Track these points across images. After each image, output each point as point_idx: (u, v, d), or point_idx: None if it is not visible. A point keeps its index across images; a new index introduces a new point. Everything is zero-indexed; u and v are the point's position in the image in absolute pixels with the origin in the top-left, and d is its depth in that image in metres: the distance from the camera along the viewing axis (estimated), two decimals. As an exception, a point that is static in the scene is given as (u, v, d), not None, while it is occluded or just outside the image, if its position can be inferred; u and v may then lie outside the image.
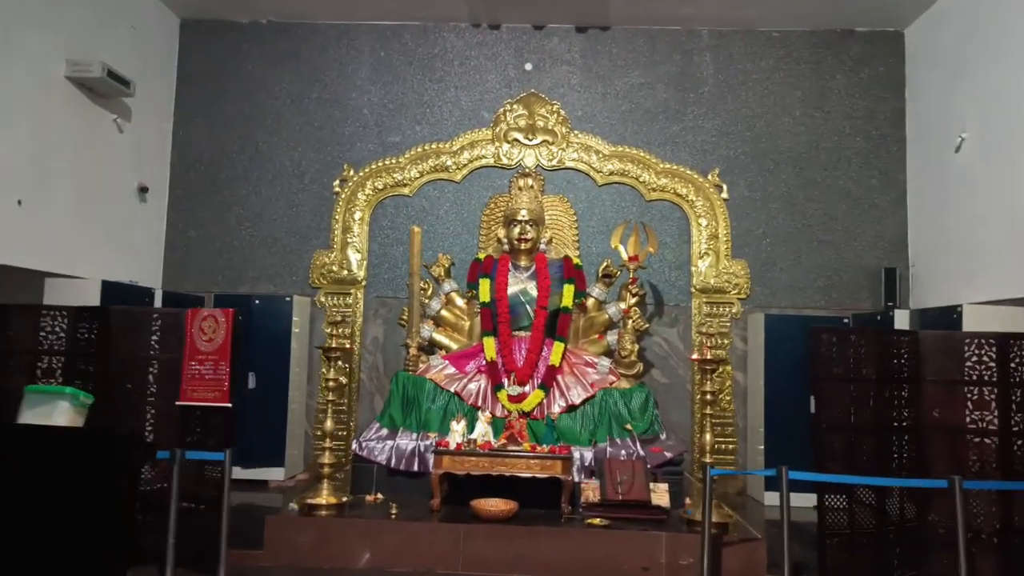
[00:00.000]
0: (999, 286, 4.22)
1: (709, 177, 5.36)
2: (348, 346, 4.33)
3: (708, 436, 3.58)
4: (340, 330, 5.30)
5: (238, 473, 4.79)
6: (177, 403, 2.91)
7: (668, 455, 3.90)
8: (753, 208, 5.37)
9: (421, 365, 4.32)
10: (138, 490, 2.61)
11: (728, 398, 5.22)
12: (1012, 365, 3.27)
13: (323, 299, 5.40)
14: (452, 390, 4.15)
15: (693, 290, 5.29)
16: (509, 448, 3.58)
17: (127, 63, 4.70)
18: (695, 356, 3.91)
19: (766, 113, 5.41)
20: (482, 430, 3.71)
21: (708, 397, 3.71)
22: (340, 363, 5.33)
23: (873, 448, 3.27)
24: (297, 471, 5.18)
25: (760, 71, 5.43)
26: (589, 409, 4.10)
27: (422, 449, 3.89)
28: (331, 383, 3.69)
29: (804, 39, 5.42)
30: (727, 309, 5.29)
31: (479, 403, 4.11)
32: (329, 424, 3.62)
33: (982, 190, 4.44)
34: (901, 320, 4.65)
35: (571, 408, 4.10)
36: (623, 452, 3.87)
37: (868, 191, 5.35)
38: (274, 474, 4.95)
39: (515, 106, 5.44)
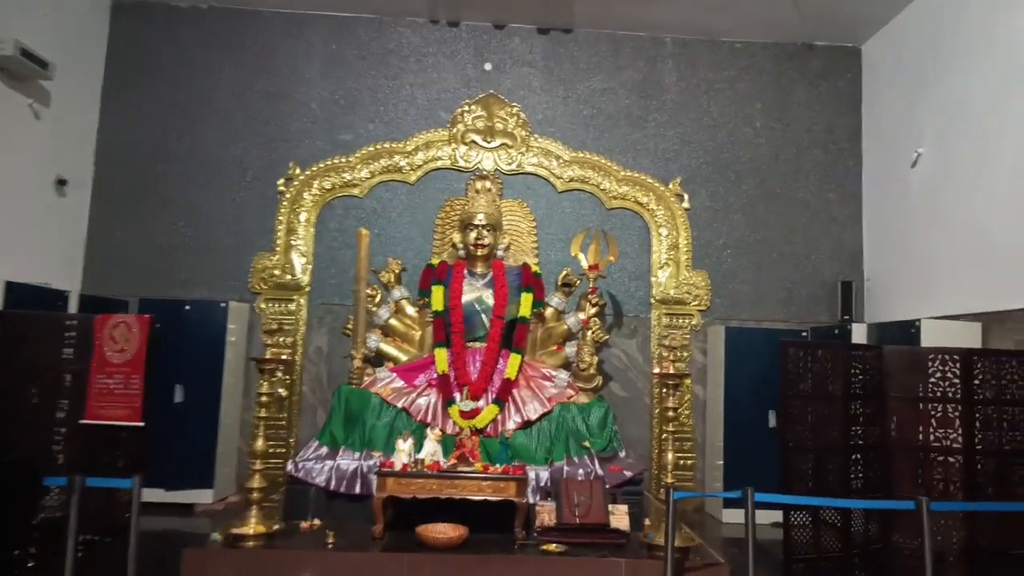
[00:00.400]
0: (955, 301, 4.21)
1: (670, 186, 5.24)
2: (286, 357, 4.02)
3: (670, 455, 3.40)
4: (279, 339, 5.01)
5: (161, 497, 4.41)
6: (81, 421, 2.56)
7: (628, 474, 3.70)
8: (714, 219, 5.27)
9: (366, 378, 4.03)
10: (27, 520, 2.26)
11: (687, 412, 5.09)
12: (975, 382, 3.21)
13: (263, 305, 5.05)
14: (399, 405, 3.87)
15: (653, 301, 5.15)
16: (460, 469, 3.32)
17: (46, 43, 4.29)
18: (656, 370, 3.74)
19: (728, 123, 5.34)
20: (431, 449, 3.44)
21: (670, 413, 3.53)
22: (281, 375, 5.08)
23: (840, 467, 3.15)
24: (229, 492, 4.80)
25: (722, 80, 5.35)
26: (546, 425, 3.88)
27: (365, 470, 3.60)
28: (264, 398, 3.36)
29: (766, 51, 5.37)
30: (687, 321, 5.17)
31: (428, 419, 3.85)
32: (260, 444, 3.29)
33: (938, 205, 4.43)
34: (859, 334, 4.60)
35: (527, 424, 3.88)
36: (581, 471, 3.66)
37: (826, 204, 5.32)
38: (202, 496, 4.57)
39: (474, 107, 5.22)
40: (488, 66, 5.31)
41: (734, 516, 4.52)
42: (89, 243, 5.03)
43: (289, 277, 5.07)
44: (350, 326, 4.39)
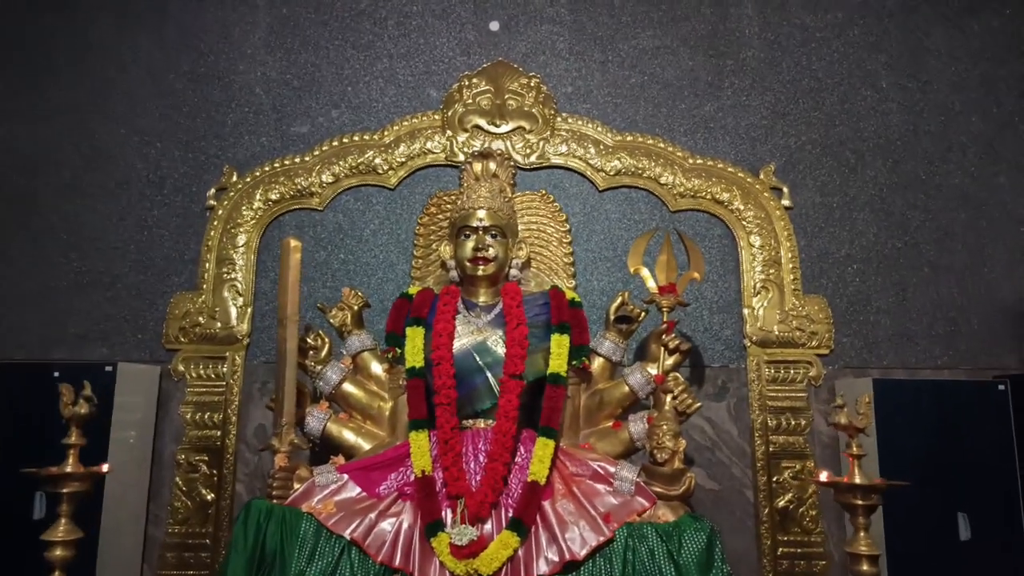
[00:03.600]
0: None
1: (762, 176, 3.63)
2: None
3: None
4: (205, 415, 3.45)
5: None
6: None
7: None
8: (829, 220, 3.62)
9: (297, 485, 2.40)
10: None
11: (813, 513, 3.32)
12: None
13: (181, 366, 3.50)
14: (347, 534, 2.23)
15: (748, 343, 3.47)
16: None
17: None
18: (824, 477, 2.04)
19: (839, 85, 3.74)
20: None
21: (865, 568, 1.81)
22: (205, 469, 3.49)
23: None
24: (121, 652, 3.15)
25: (826, 26, 3.78)
26: (603, 567, 2.19)
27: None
28: (57, 551, 1.76)
29: (885, -17, 3.81)
30: (801, 371, 3.45)
31: (396, 561, 2.19)
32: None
33: None
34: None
35: (570, 566, 2.19)
36: (677, 666, 1.95)
37: (996, 192, 3.63)
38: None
39: (476, 80, 3.73)
40: (495, 25, 3.83)
41: None
42: (-64, 286, 3.60)
43: (220, 325, 3.54)
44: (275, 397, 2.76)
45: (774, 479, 3.34)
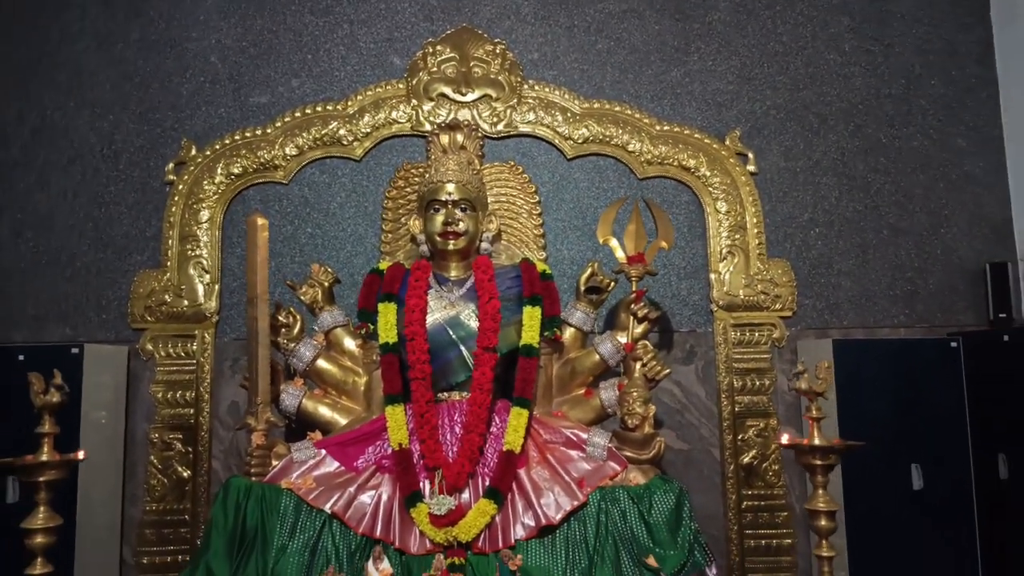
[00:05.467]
0: None
1: (727, 142, 3.66)
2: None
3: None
4: (177, 394, 3.42)
5: None
6: None
7: (735, 624, 2.07)
8: (793, 185, 3.68)
9: (275, 462, 2.42)
10: None
11: (776, 468, 3.46)
12: None
13: (149, 345, 3.45)
14: (328, 508, 2.26)
15: (714, 307, 3.54)
16: (426, 652, 1.72)
17: None
18: (785, 439, 2.12)
19: (804, 48, 3.75)
20: (374, 604, 1.84)
21: (823, 523, 1.90)
22: (180, 446, 3.48)
23: None
24: (103, 630, 3.17)
25: (791, -11, 3.79)
26: (578, 529, 2.27)
27: (261, 643, 1.98)
28: (38, 538, 1.75)
29: (849, -56, 3.81)
30: (765, 333, 3.55)
31: (378, 532, 2.24)
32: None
33: None
34: (1054, 341, 2.99)
35: (546, 530, 2.26)
36: (649, 622, 2.04)
37: (956, 155, 3.72)
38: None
39: (440, 47, 3.65)
40: (458, -12, 3.75)
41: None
42: None
43: (187, 303, 3.48)
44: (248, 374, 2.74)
45: (739, 437, 3.46)
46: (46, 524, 1.98)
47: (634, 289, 2.78)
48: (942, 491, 3.19)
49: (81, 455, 2.16)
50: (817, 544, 2.13)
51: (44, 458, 2.01)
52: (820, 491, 2.15)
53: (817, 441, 2.13)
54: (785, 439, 2.27)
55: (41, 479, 2.01)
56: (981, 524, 3.19)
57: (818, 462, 2.14)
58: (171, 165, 3.58)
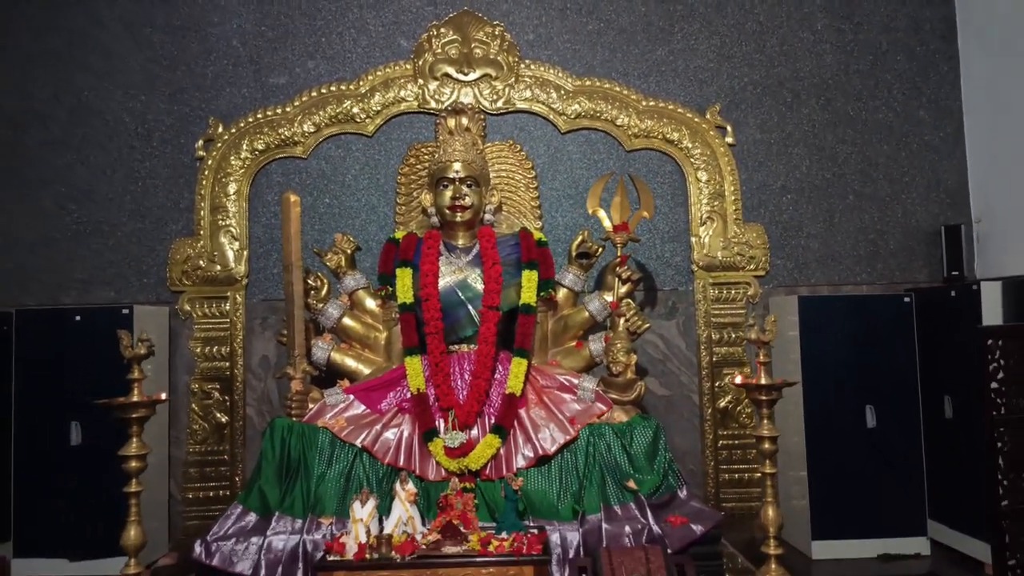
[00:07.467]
0: None
1: (708, 116, 3.98)
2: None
3: (772, 512, 2.21)
4: (213, 349, 3.83)
5: (64, 569, 3.34)
6: None
7: (697, 530, 2.52)
8: (768, 155, 4.02)
9: (311, 406, 2.84)
10: None
11: (748, 411, 3.89)
12: None
13: (187, 306, 3.85)
14: (358, 443, 2.70)
15: (695, 268, 3.93)
16: (445, 548, 2.16)
17: None
18: (739, 379, 2.54)
19: (779, 27, 4.05)
20: (401, 514, 2.28)
21: (767, 446, 2.33)
22: (218, 395, 3.90)
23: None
24: (159, 552, 3.64)
25: (769, -30, 4.05)
26: (570, 459, 2.71)
27: (310, 547, 2.43)
28: (133, 463, 2.18)
29: (824, -74, 4.06)
30: (741, 291, 3.95)
31: (401, 461, 2.68)
32: (134, 535, 2.12)
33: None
34: (991, 295, 3.37)
35: (542, 460, 2.70)
36: (627, 529, 2.49)
37: (916, 127, 4.05)
38: (118, 565, 3.41)
39: (444, 30, 3.94)
40: (459, -27, 4.02)
41: (828, 551, 3.35)
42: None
43: (219, 268, 3.87)
44: (285, 332, 3.16)
45: (716, 384, 3.89)
46: (139, 452, 2.41)
47: (619, 254, 3.16)
48: (894, 429, 3.59)
49: (164, 396, 2.61)
50: (763, 463, 2.57)
51: (135, 399, 2.42)
52: (765, 421, 2.58)
53: (763, 381, 2.54)
54: (739, 380, 2.69)
55: (134, 415, 2.43)
56: (928, 457, 3.60)
57: (763, 397, 2.57)
58: (200, 142, 3.91)
